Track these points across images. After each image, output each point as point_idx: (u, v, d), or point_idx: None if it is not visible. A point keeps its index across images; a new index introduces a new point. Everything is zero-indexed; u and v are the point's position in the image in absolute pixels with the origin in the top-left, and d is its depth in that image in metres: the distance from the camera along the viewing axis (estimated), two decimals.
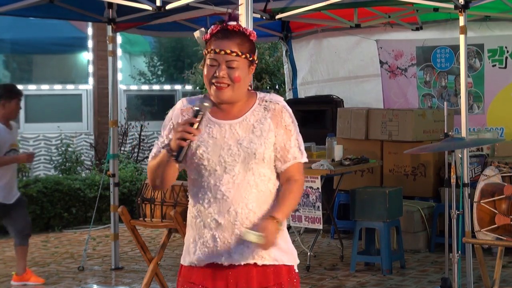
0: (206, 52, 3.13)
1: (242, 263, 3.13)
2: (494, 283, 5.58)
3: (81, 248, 8.62)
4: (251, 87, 3.28)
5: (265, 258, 3.14)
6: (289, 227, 9.09)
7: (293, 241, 9.24)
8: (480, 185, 5.43)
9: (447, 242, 6.25)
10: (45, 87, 14.55)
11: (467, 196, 6.37)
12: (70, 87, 14.78)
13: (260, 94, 3.24)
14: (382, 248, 7.50)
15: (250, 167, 3.12)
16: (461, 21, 6.60)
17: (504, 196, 5.29)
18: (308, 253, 7.75)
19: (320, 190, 7.54)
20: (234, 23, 3.13)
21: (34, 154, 7.76)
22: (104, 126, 13.62)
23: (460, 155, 6.44)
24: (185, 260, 3.24)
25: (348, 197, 8.09)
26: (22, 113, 14.28)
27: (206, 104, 3.06)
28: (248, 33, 3.14)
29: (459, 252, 5.92)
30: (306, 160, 3.23)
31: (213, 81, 3.10)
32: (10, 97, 7.33)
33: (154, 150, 3.21)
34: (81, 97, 14.72)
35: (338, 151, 8.06)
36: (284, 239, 3.22)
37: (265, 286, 3.17)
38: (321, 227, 7.63)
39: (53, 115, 14.45)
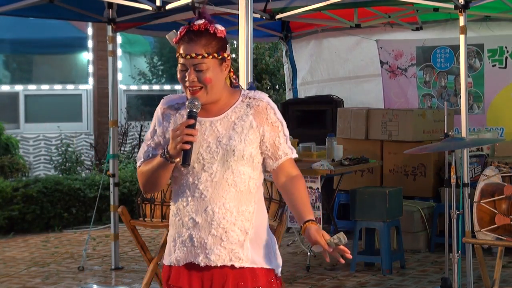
0: (177, 55, 3.10)
1: (219, 265, 3.09)
2: (494, 283, 5.58)
3: (81, 248, 8.62)
4: (237, 81, 3.22)
5: (242, 260, 3.09)
6: (289, 228, 9.07)
7: (293, 241, 9.20)
8: (480, 185, 5.43)
9: (447, 242, 6.25)
10: (45, 87, 14.55)
11: (467, 196, 6.37)
12: (70, 87, 14.79)
13: (245, 91, 3.19)
14: (382, 248, 7.50)
15: (228, 165, 3.08)
16: (461, 21, 6.60)
17: (504, 196, 5.29)
18: (308, 253, 7.74)
19: (320, 190, 7.54)
20: (201, 21, 3.06)
21: None
22: (104, 126, 13.63)
23: (460, 155, 6.44)
24: (166, 259, 3.21)
25: (348, 197, 8.09)
26: (22, 113, 14.32)
27: (196, 103, 3.05)
28: (213, 31, 3.06)
29: (459, 252, 5.92)
30: (296, 155, 3.19)
31: (186, 85, 3.07)
32: None
33: (142, 155, 3.18)
34: (81, 97, 14.73)
35: (338, 151, 8.06)
36: (266, 242, 3.17)
37: None
38: (320, 227, 7.60)
39: (53, 115, 14.45)
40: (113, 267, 7.94)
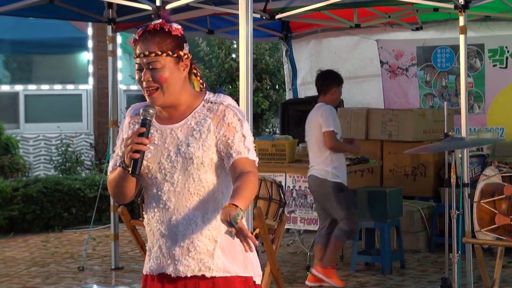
0: (134, 56, 3.05)
1: (189, 275, 3.00)
2: (494, 283, 5.58)
3: (81, 248, 8.62)
4: (202, 85, 3.13)
5: (213, 269, 2.99)
6: (288, 228, 9.06)
7: (293, 241, 9.18)
8: (480, 185, 5.43)
9: (447, 242, 6.24)
10: (45, 87, 14.55)
11: (467, 196, 6.37)
12: (70, 87, 14.78)
13: (208, 95, 3.08)
14: (382, 248, 7.50)
15: (189, 173, 2.98)
16: (461, 21, 6.60)
17: (504, 196, 5.29)
18: (308, 253, 7.74)
19: None
20: (158, 21, 3.00)
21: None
22: (104, 126, 13.62)
23: (460, 155, 6.43)
24: (144, 268, 3.18)
25: None
26: (22, 113, 14.32)
27: (151, 111, 2.98)
28: (168, 29, 2.99)
29: (459, 252, 5.92)
30: (255, 158, 2.98)
31: (143, 86, 3.02)
32: (340, 83, 7.08)
33: (111, 163, 3.12)
34: (81, 97, 14.72)
35: None
36: (241, 249, 2.95)
37: None
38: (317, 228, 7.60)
39: (53, 115, 14.45)
40: (113, 267, 7.94)
